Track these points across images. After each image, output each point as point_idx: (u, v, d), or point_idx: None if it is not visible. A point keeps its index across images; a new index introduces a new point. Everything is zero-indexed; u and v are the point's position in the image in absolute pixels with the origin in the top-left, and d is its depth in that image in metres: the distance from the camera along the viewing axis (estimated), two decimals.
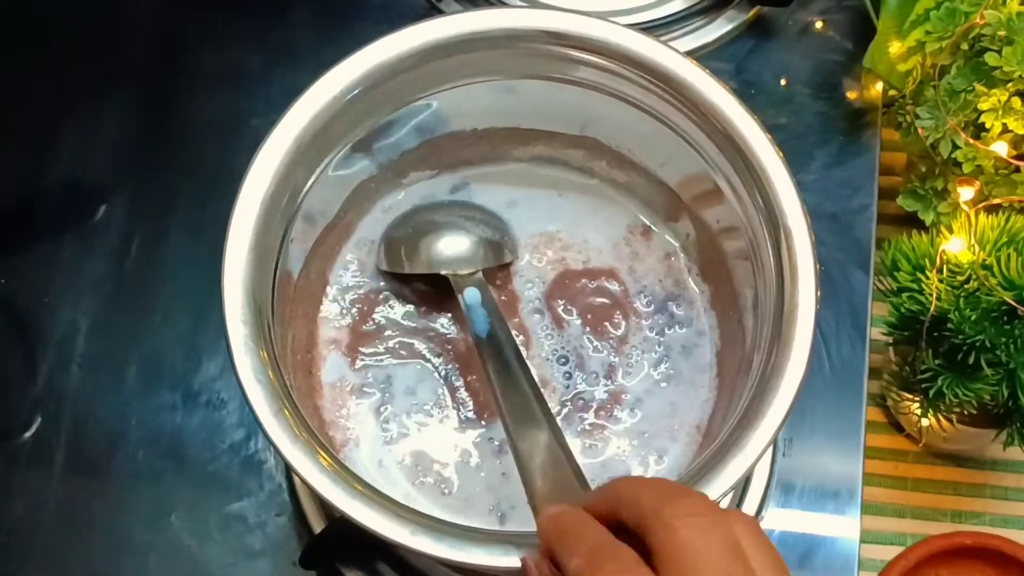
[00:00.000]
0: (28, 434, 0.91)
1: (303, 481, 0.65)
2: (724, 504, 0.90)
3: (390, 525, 0.65)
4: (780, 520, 0.91)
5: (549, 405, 0.73)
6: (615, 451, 0.80)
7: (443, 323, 0.83)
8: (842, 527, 0.90)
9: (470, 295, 0.78)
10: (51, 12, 1.05)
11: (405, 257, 0.82)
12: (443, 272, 0.80)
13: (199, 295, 0.93)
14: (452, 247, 0.81)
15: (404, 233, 0.83)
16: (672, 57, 0.74)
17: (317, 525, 0.88)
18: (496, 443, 0.80)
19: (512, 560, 0.64)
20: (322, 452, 0.66)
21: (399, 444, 0.80)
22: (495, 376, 0.73)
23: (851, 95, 1.01)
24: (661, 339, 0.83)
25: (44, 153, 1.00)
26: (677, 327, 0.83)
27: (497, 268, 0.83)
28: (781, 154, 0.73)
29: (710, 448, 0.69)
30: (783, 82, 1.01)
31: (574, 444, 0.79)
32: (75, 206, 0.98)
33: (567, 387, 0.82)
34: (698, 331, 0.83)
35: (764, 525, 0.90)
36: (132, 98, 1.02)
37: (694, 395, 0.82)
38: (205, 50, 1.03)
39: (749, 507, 0.90)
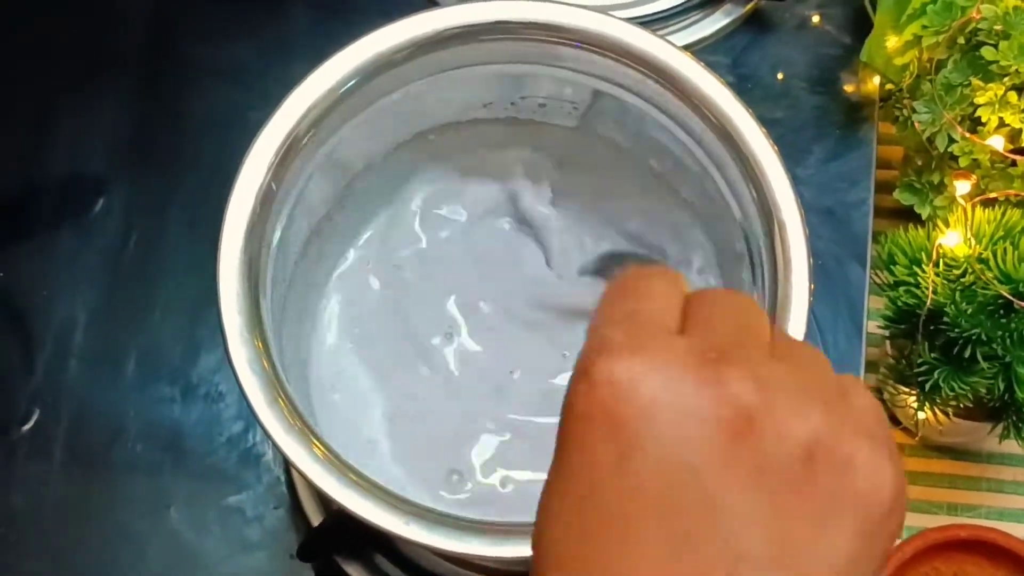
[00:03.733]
0: (27, 427, 0.92)
1: (297, 470, 0.66)
2: None
3: (383, 514, 0.65)
4: None
5: None
6: None
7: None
8: None
9: None
10: (47, 3, 1.05)
11: None
12: None
13: (197, 289, 0.93)
14: None
15: None
16: (668, 51, 0.74)
17: (315, 518, 0.88)
18: None
19: (504, 550, 0.64)
20: (316, 441, 0.66)
21: None
22: None
23: (848, 89, 1.01)
24: None
25: (41, 146, 1.00)
26: None
27: None
28: (776, 148, 0.73)
29: None
30: (780, 76, 1.01)
31: None
32: (72, 199, 0.98)
33: None
34: None
35: None
36: (128, 91, 1.02)
37: None
38: (202, 43, 1.03)
39: None
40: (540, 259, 0.85)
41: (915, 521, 0.98)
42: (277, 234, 0.74)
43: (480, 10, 0.75)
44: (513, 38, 0.75)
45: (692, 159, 0.77)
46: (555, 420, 0.44)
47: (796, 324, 0.70)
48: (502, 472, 0.81)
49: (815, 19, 1.03)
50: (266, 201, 0.71)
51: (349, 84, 0.73)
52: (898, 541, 0.94)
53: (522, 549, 0.65)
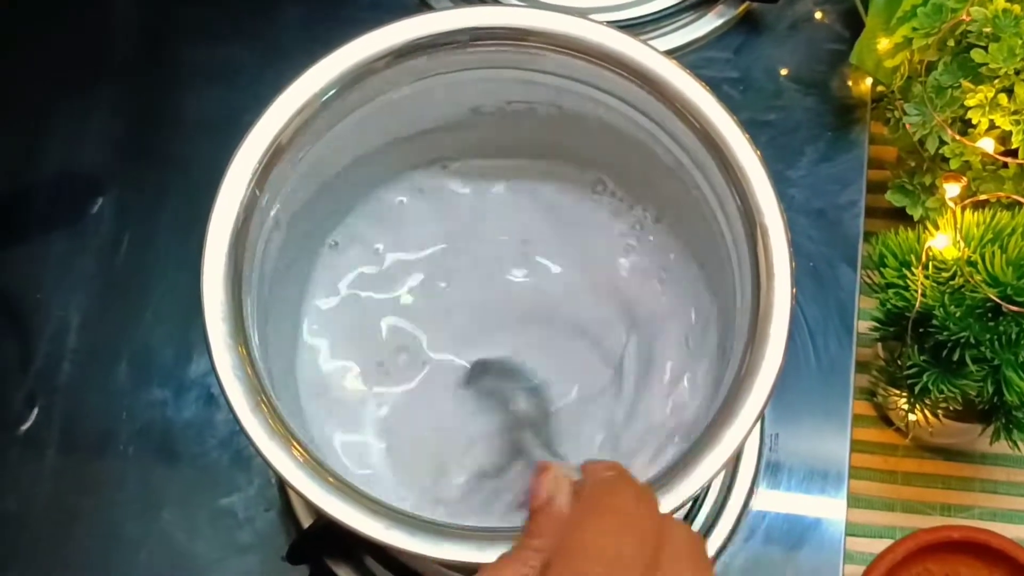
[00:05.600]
0: (20, 429, 0.92)
1: (279, 476, 0.66)
2: (711, 498, 0.90)
3: (364, 520, 0.65)
4: (768, 509, 0.91)
5: None
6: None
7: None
8: (829, 520, 0.90)
9: None
10: (42, 6, 1.05)
11: None
12: None
13: (190, 291, 0.92)
14: None
15: None
16: (650, 55, 0.74)
17: (305, 520, 0.88)
18: None
19: (486, 556, 0.64)
20: (298, 447, 0.66)
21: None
22: None
23: (840, 91, 1.01)
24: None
25: (34, 149, 1.00)
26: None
27: None
28: (759, 153, 0.73)
29: (684, 447, 0.69)
30: (772, 78, 1.01)
31: None
32: (66, 202, 0.99)
33: None
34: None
35: (752, 514, 0.91)
36: (123, 94, 1.02)
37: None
38: (196, 46, 1.03)
39: (736, 499, 0.91)
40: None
41: (908, 522, 0.98)
42: (261, 240, 0.74)
43: (462, 16, 0.75)
44: (496, 43, 0.75)
45: (676, 163, 0.77)
46: None
47: (778, 329, 0.70)
48: (493, 473, 0.81)
49: (807, 20, 1.03)
50: (250, 208, 0.72)
51: (332, 91, 0.74)
52: (890, 542, 0.94)
53: None
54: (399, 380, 0.83)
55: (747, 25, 1.03)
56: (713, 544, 0.90)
